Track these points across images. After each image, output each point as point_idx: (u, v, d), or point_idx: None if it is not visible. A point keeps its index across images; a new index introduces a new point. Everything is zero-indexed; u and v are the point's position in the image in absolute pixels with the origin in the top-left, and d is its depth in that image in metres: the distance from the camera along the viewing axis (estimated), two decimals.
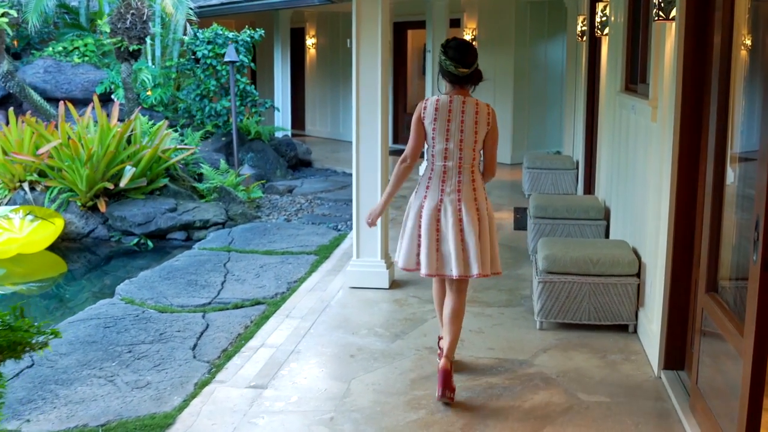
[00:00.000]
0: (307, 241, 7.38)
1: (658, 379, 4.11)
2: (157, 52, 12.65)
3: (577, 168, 9.01)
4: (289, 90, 15.19)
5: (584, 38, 8.72)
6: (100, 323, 5.09)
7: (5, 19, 10.45)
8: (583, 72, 8.80)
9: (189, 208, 8.54)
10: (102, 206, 8.24)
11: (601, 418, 3.66)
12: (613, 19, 6.60)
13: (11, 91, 10.98)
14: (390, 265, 5.79)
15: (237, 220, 8.53)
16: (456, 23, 12.35)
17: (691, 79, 3.82)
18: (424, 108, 3.95)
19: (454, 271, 3.88)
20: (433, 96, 4.00)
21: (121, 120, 9.51)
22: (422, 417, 3.68)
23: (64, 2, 13.35)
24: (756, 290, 2.65)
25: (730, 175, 3.41)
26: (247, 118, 12.22)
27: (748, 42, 3.19)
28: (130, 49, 10.80)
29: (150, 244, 8.13)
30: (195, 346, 4.69)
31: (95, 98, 9.34)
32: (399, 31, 14.47)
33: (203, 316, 5.23)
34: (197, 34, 11.83)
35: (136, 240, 8.18)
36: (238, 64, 11.42)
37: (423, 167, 4.12)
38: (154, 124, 9.87)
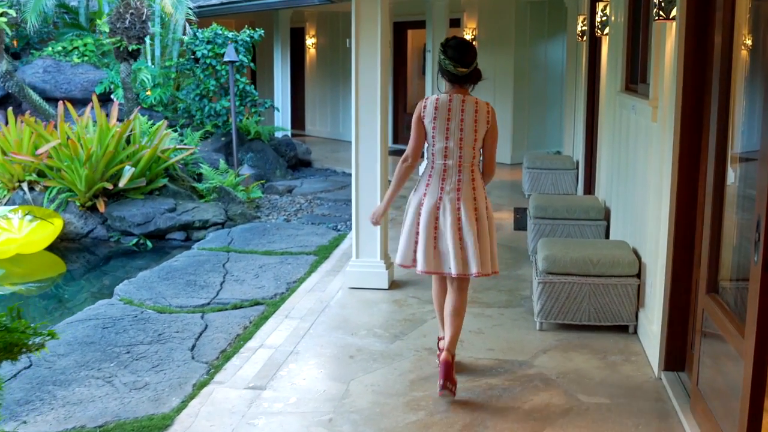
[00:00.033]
0: (306, 241, 7.36)
1: (658, 380, 4.09)
2: (157, 52, 12.63)
3: (577, 168, 8.99)
4: (288, 90, 15.17)
5: (584, 38, 8.70)
6: (98, 324, 5.08)
7: (4, 19, 10.43)
8: (584, 72, 8.79)
9: (188, 209, 8.52)
10: (101, 206, 8.22)
11: (601, 419, 3.65)
12: (613, 18, 6.58)
13: (10, 91, 10.96)
14: (389, 265, 5.77)
15: (236, 221, 8.51)
16: (456, 23, 12.34)
17: (691, 79, 3.81)
18: (424, 107, 3.96)
19: (452, 269, 3.89)
20: (433, 95, 4.01)
21: (120, 120, 9.49)
22: (421, 418, 3.66)
23: (64, 2, 13.34)
24: (757, 291, 2.64)
25: (731, 176, 3.39)
26: (247, 118, 12.21)
27: (749, 42, 3.18)
28: (129, 48, 10.78)
29: (149, 244, 8.11)
30: (193, 346, 4.67)
31: (94, 98, 9.33)
32: (399, 31, 14.46)
33: (202, 317, 5.21)
34: (197, 33, 11.81)
35: (135, 240, 8.16)
36: (237, 63, 11.40)
37: (423, 166, 4.12)
38: (153, 124, 9.86)
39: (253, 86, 12.37)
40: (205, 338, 4.81)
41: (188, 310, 5.38)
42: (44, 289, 7.37)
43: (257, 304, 5.51)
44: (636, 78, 5.39)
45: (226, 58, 10.56)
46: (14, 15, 11.17)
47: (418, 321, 5.01)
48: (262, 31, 12.16)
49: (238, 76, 11.73)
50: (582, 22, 8.92)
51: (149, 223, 8.21)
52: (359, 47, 5.55)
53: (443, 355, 3.92)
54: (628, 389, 3.98)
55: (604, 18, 7.16)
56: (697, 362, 3.54)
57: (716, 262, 3.40)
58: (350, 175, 5.77)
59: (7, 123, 9.13)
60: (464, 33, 12.17)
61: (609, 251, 4.82)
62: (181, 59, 12.53)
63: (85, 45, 12.62)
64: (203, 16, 13.48)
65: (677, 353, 4.05)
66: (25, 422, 3.66)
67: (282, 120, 14.54)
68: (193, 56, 11.88)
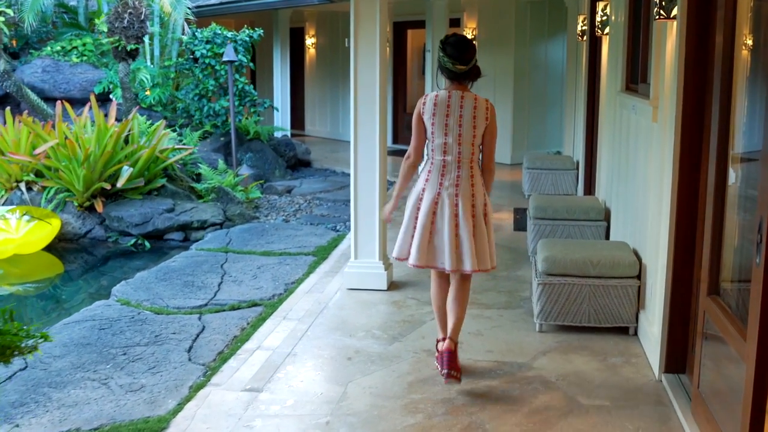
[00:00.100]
0: (305, 241, 7.33)
1: (659, 382, 4.06)
2: (156, 52, 12.61)
3: (578, 168, 8.96)
4: (288, 90, 15.14)
5: (585, 38, 8.68)
6: (95, 325, 5.05)
7: (2, 18, 10.40)
8: (584, 72, 8.76)
9: (187, 209, 8.49)
10: (99, 206, 8.19)
11: (601, 422, 3.61)
12: (613, 18, 6.55)
13: (8, 91, 10.93)
14: (388, 266, 5.74)
15: (235, 221, 8.48)
16: (456, 23, 12.31)
17: (692, 78, 3.78)
18: (423, 104, 4.01)
19: (446, 264, 3.93)
20: (432, 92, 4.04)
21: (119, 120, 9.46)
22: (420, 421, 3.63)
23: (63, 2, 13.31)
24: (759, 293, 2.60)
25: (732, 176, 3.36)
26: (246, 118, 12.18)
27: (750, 41, 3.14)
28: (128, 48, 10.75)
29: (147, 244, 8.08)
30: (190, 348, 4.64)
31: (92, 98, 9.29)
32: (399, 31, 14.43)
33: (199, 318, 5.18)
34: (196, 33, 11.78)
35: (133, 240, 8.13)
36: (236, 63, 11.37)
37: (423, 162, 4.14)
38: (152, 124, 9.82)
39: (252, 86, 12.35)
40: (202, 340, 4.78)
41: (185, 311, 5.34)
42: (42, 289, 7.35)
43: (255, 305, 5.48)
44: (636, 78, 5.36)
45: (225, 58, 10.53)
46: (12, 14, 11.14)
47: (417, 322, 4.98)
48: (262, 31, 12.13)
49: (237, 76, 11.70)
50: (582, 21, 8.89)
51: (147, 223, 8.18)
52: (358, 47, 5.51)
53: (446, 343, 3.96)
54: (628, 391, 3.95)
55: (605, 17, 7.13)
56: (698, 364, 3.51)
57: (717, 264, 3.37)
58: (350, 175, 5.73)
59: (5, 123, 9.10)
60: (464, 33, 12.14)
61: (609, 252, 4.79)
62: (180, 59, 12.50)
63: (84, 45, 12.59)
64: (202, 16, 13.45)
65: (678, 355, 4.02)
66: (17, 426, 3.62)
67: (281, 120, 14.51)
68: (192, 56, 11.86)
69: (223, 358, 4.48)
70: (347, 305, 5.37)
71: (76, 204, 8.31)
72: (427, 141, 4.04)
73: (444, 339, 4.12)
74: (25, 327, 2.66)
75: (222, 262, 6.60)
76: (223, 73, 11.63)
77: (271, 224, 8.34)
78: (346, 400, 3.86)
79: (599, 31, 7.40)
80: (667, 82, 4.13)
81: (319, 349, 4.56)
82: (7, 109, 9.51)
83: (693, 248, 3.90)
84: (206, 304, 5.49)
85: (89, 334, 4.87)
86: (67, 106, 9.26)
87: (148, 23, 11.03)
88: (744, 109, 3.25)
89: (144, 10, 10.80)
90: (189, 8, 12.63)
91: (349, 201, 5.90)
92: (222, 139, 11.62)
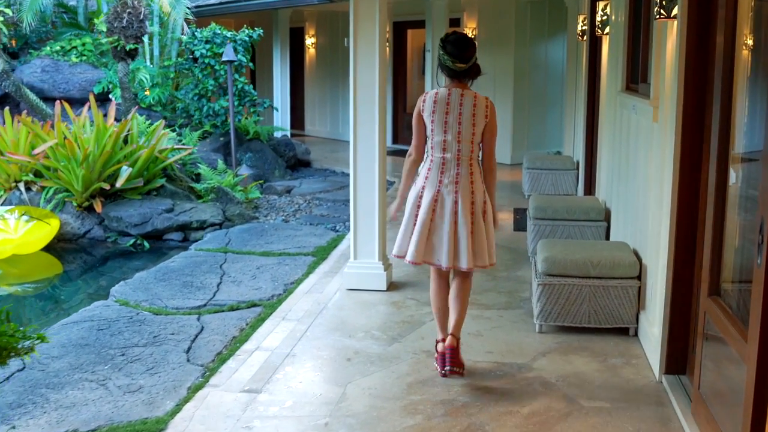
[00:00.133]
0: (304, 242, 7.31)
1: (659, 383, 4.04)
2: (156, 52, 12.58)
3: (578, 168, 8.95)
4: (288, 90, 15.12)
5: (585, 37, 8.66)
6: (93, 325, 5.03)
7: (0, 18, 10.38)
8: (584, 71, 8.74)
9: (186, 209, 8.47)
10: (98, 207, 8.17)
11: (601, 423, 3.59)
12: (613, 18, 6.53)
13: (7, 91, 10.91)
14: (388, 266, 5.72)
15: (234, 221, 8.46)
16: (456, 23, 12.30)
17: (693, 78, 3.76)
18: (423, 101, 4.04)
19: (443, 261, 3.95)
20: (432, 90, 4.08)
21: (118, 120, 9.44)
22: (419, 423, 3.61)
23: (63, 1, 13.30)
24: (760, 294, 2.58)
25: (733, 176, 3.34)
26: (246, 118, 12.16)
27: (751, 41, 3.13)
28: (127, 48, 10.73)
29: (146, 245, 8.06)
30: (189, 349, 4.62)
31: (91, 98, 9.27)
32: (399, 31, 14.41)
33: (198, 319, 5.16)
34: (195, 33, 11.76)
35: (132, 241, 8.11)
36: (236, 63, 11.35)
37: (423, 159, 4.16)
38: (151, 124, 9.80)
39: (252, 86, 12.33)
40: (200, 340, 4.76)
41: (184, 312, 5.33)
42: (41, 290, 7.33)
43: (254, 305, 5.46)
44: (637, 77, 5.35)
45: (224, 58, 10.51)
46: (11, 14, 11.12)
47: (417, 323, 4.96)
48: (261, 31, 12.11)
49: (236, 76, 11.68)
50: (582, 21, 8.88)
51: (146, 223, 8.16)
52: (357, 46, 5.50)
53: (448, 339, 4.00)
54: (628, 393, 3.93)
55: (605, 17, 7.12)
56: (698, 366, 3.49)
57: (718, 264, 3.35)
58: (349, 175, 5.72)
59: (3, 123, 9.08)
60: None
61: (609, 253, 4.77)
62: (179, 59, 12.48)
63: (83, 44, 12.56)
64: (202, 16, 13.43)
65: (678, 356, 4.00)
66: (14, 427, 3.60)
67: (281, 120, 14.50)
68: (191, 56, 11.84)
69: (221, 358, 4.46)
70: (346, 306, 5.35)
71: (75, 204, 8.29)
72: (427, 139, 4.06)
73: (443, 340, 4.12)
74: (21, 328, 2.64)
75: (221, 263, 6.58)
76: (222, 72, 11.61)
77: (271, 224, 8.33)
78: (345, 401, 3.84)
79: (599, 30, 7.38)
80: (667, 82, 4.11)
81: (318, 350, 4.55)
82: (6, 109, 9.49)
83: (694, 249, 3.88)
84: (205, 305, 5.47)
85: (87, 334, 4.86)
86: (66, 106, 9.24)
87: (147, 23, 11.01)
88: (745, 108, 3.24)
89: (143, 9, 10.78)
90: (188, 8, 12.61)
91: (348, 201, 5.88)
92: (221, 139, 11.60)
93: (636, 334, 4.69)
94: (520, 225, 7.61)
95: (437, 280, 4.16)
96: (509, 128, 11.82)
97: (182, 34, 12.60)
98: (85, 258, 7.95)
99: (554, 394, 3.91)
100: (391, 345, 4.59)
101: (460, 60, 3.93)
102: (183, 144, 10.28)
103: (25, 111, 9.88)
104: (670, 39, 4.09)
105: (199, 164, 9.96)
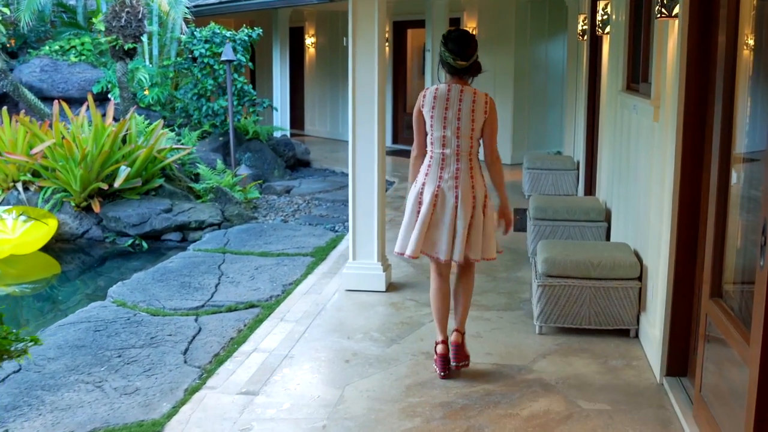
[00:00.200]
0: (303, 242, 7.28)
1: (660, 385, 4.01)
2: (155, 51, 12.55)
3: (578, 169, 8.91)
4: (288, 89, 15.09)
5: (585, 37, 8.63)
6: (90, 327, 4.99)
7: None
8: (584, 71, 8.71)
9: (184, 209, 8.44)
10: (96, 207, 8.14)
11: (602, 426, 3.56)
12: (614, 17, 6.50)
13: (5, 91, 10.88)
14: (387, 267, 5.69)
15: (233, 221, 8.43)
16: (456, 22, 12.26)
17: (694, 77, 3.73)
18: (423, 97, 4.06)
19: (442, 254, 3.97)
20: (432, 86, 4.09)
21: (116, 119, 9.40)
22: (417, 425, 3.58)
23: (61, 1, 13.26)
24: (763, 296, 2.55)
25: (734, 176, 3.31)
26: (245, 118, 12.13)
27: (753, 40, 3.09)
28: (125, 47, 10.70)
29: (145, 245, 8.03)
30: (186, 350, 4.58)
31: (90, 97, 9.23)
32: (398, 31, 14.38)
33: (196, 320, 5.13)
34: (194, 33, 11.73)
35: (130, 241, 8.07)
36: (235, 63, 11.32)
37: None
38: (150, 124, 9.77)
39: (251, 86, 12.30)
40: (198, 342, 4.73)
41: (182, 313, 5.29)
42: (38, 290, 7.30)
43: (252, 306, 5.42)
44: (637, 77, 5.31)
45: (223, 57, 10.48)
46: (8, 13, 11.08)
47: (416, 324, 4.93)
48: (261, 31, 12.08)
49: (236, 76, 11.65)
50: (583, 21, 8.85)
51: (145, 223, 8.12)
52: (356, 46, 5.46)
53: (453, 336, 4.04)
54: (629, 395, 3.90)
55: (605, 17, 7.09)
56: (700, 368, 3.46)
57: (720, 266, 3.32)
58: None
59: (2, 122, 9.04)
60: None
61: (610, 253, 4.74)
62: (178, 58, 12.46)
63: (82, 44, 12.53)
64: (201, 15, 13.40)
65: (680, 358, 3.97)
66: (8, 430, 3.57)
67: (281, 120, 14.47)
68: (190, 55, 11.81)
69: (219, 360, 4.43)
70: (345, 307, 5.32)
71: (73, 204, 8.25)
72: (427, 135, 4.07)
73: (443, 342, 4.09)
74: (14, 330, 2.60)
75: (219, 263, 6.55)
76: (221, 72, 11.58)
77: (270, 225, 8.29)
78: (343, 403, 3.81)
79: (600, 30, 7.35)
80: (668, 82, 4.08)
81: (316, 352, 4.51)
82: (5, 108, 9.45)
83: (695, 250, 3.85)
84: (203, 306, 5.44)
85: (84, 335, 4.82)
86: (65, 105, 9.21)
87: (145, 22, 10.98)
88: (747, 108, 3.20)
89: (142, 9, 10.75)
90: (187, 7, 12.58)
91: (348, 201, 5.85)
92: (221, 138, 11.56)
93: (637, 336, 4.66)
94: (520, 225, 7.56)
95: (437, 280, 4.14)
96: (509, 128, 11.79)
97: (181, 33, 12.57)
98: (83, 258, 7.92)
99: (554, 396, 3.88)
100: (390, 346, 4.55)
101: (462, 57, 3.93)
102: (182, 144, 10.25)
103: (23, 110, 9.84)
104: (671, 38, 4.06)
105: (198, 164, 9.93)
